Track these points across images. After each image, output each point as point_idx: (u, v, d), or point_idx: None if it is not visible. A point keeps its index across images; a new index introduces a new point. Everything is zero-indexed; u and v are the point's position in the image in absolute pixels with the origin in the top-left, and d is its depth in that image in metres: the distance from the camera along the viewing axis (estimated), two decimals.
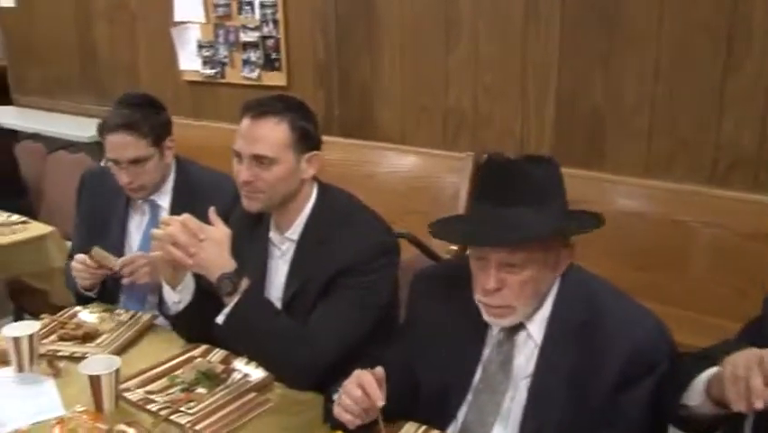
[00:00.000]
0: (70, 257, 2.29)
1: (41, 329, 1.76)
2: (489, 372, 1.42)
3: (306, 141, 1.73)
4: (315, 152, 1.75)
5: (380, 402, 1.30)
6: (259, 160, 1.68)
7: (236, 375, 1.65)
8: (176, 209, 2.11)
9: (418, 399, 1.48)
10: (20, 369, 1.68)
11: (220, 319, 1.57)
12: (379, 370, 1.34)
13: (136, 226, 2.19)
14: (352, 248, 1.67)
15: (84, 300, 2.12)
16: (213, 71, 4.40)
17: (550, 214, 1.33)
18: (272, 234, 1.81)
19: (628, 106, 2.74)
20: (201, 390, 1.59)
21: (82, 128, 4.88)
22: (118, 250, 2.14)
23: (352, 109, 3.68)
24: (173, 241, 1.52)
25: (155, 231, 1.57)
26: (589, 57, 2.78)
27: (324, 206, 1.78)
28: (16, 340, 1.66)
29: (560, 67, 2.86)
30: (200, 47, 4.43)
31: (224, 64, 4.34)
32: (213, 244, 1.55)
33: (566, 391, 1.33)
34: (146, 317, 1.96)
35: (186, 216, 1.56)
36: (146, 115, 2.03)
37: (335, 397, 1.36)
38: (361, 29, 3.53)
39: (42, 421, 1.50)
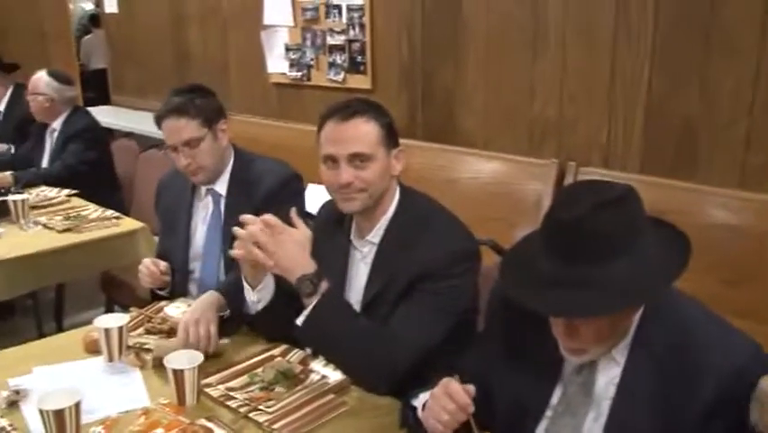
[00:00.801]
0: (157, 256, 2.38)
1: (129, 322, 1.83)
2: (569, 392, 1.37)
3: (392, 137, 1.75)
4: (400, 148, 1.77)
5: (471, 408, 1.27)
6: (356, 159, 1.68)
7: (314, 376, 1.67)
8: (231, 195, 2.21)
9: (491, 412, 1.46)
10: (110, 359, 1.75)
11: (299, 321, 1.59)
12: (471, 388, 1.31)
13: (202, 220, 2.27)
14: (433, 252, 1.66)
15: (157, 297, 2.21)
16: (299, 74, 4.48)
17: (638, 263, 1.18)
18: (353, 238, 1.82)
19: (723, 116, 2.63)
20: (280, 389, 1.62)
21: None
22: (184, 244, 2.24)
23: (435, 114, 3.67)
24: (255, 241, 1.55)
25: (237, 230, 1.60)
26: (683, 65, 2.68)
27: (406, 209, 1.77)
28: (107, 331, 1.73)
29: (651, 74, 2.77)
30: (287, 50, 4.52)
31: (310, 67, 4.41)
32: (293, 245, 1.58)
33: (650, 416, 1.25)
34: (224, 312, 1.99)
35: (267, 216, 1.59)
36: (193, 98, 2.13)
37: (414, 403, 1.36)
38: (447, 34, 3.52)
39: (129, 411, 1.55)
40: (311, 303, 1.57)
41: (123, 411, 1.55)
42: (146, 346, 1.83)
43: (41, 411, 1.38)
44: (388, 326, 1.64)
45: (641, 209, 1.23)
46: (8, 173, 3.46)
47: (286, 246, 1.56)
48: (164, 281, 2.16)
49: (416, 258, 1.67)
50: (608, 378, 1.31)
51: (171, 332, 1.90)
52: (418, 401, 1.38)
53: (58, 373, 1.73)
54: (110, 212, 2.99)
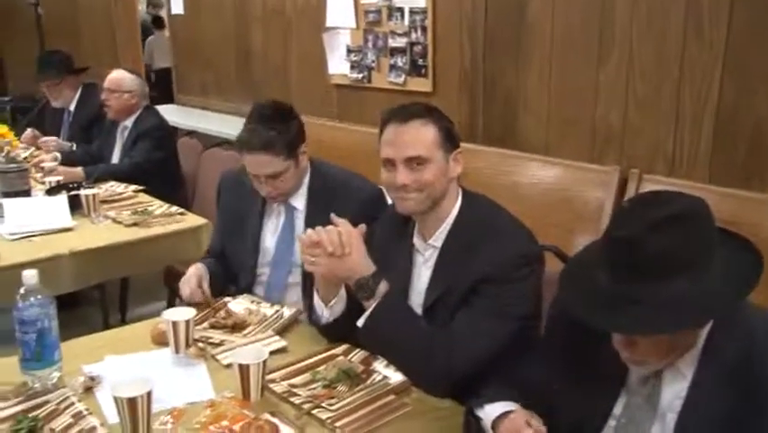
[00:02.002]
0: (207, 254, 2.42)
1: (195, 316, 1.87)
2: (633, 403, 1.34)
3: (451, 139, 1.76)
4: (459, 150, 1.78)
5: None
6: (413, 162, 1.70)
7: (376, 376, 1.69)
8: (311, 210, 2.20)
9: (554, 423, 1.44)
10: (176, 351, 1.80)
11: (360, 323, 1.61)
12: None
13: (272, 229, 2.26)
14: (496, 256, 1.66)
15: None
16: (360, 75, 4.51)
17: (699, 281, 1.15)
18: (416, 241, 1.83)
19: None
20: (342, 387, 1.63)
21: (234, 127, 5.16)
22: (253, 250, 2.24)
23: (495, 118, 3.65)
24: (328, 252, 1.60)
25: (302, 237, 1.65)
26: (756, 70, 2.61)
27: (468, 213, 1.78)
28: (174, 324, 1.78)
29: (722, 79, 2.70)
30: (349, 51, 4.56)
31: (370, 69, 4.44)
32: (353, 249, 1.61)
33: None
34: (288, 313, 2.03)
35: (334, 228, 1.64)
36: (280, 131, 2.08)
37: (479, 413, 1.36)
38: (510, 37, 3.50)
39: (195, 402, 1.59)
40: (370, 305, 1.59)
41: (190, 402, 1.59)
42: (211, 341, 1.87)
43: (115, 398, 1.43)
44: (448, 329, 1.64)
45: (707, 224, 1.20)
46: (79, 168, 3.57)
47: (347, 250, 1.60)
48: (200, 296, 2.12)
49: (478, 261, 1.67)
50: (674, 391, 1.28)
51: (235, 327, 1.94)
52: (484, 413, 1.38)
53: (128, 362, 1.78)
54: (174, 208, 3.06)
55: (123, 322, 3.59)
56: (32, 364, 1.61)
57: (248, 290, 2.22)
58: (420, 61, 4.10)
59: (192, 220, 2.96)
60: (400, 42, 4.20)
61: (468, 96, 3.81)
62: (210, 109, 5.79)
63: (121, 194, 3.27)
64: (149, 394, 1.45)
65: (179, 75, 6.40)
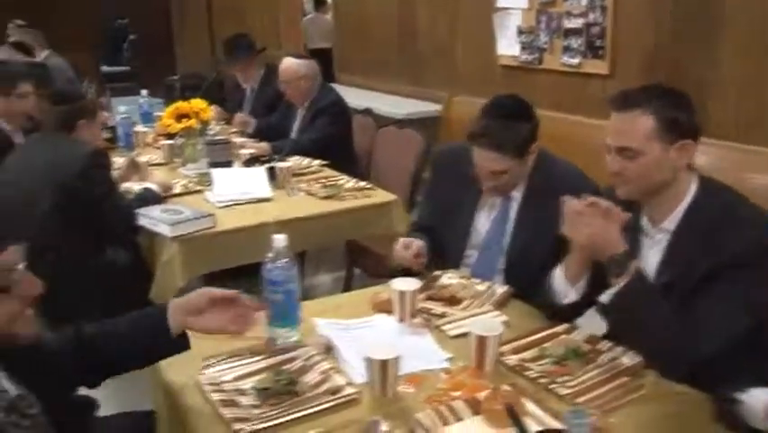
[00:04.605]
0: (413, 227, 2.47)
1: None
2: None
3: (675, 129, 1.69)
4: (685, 141, 1.71)
5: None
6: (623, 152, 1.70)
7: (604, 357, 1.67)
8: (527, 201, 2.17)
9: None
10: (401, 319, 1.87)
11: (604, 299, 1.60)
12: None
13: (485, 216, 2.24)
14: (739, 241, 1.61)
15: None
16: (530, 57, 4.46)
17: None
18: (644, 224, 1.80)
19: None
20: (573, 365, 1.64)
21: (397, 106, 5.25)
22: (464, 232, 2.25)
23: None
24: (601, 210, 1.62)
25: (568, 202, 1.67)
26: None
27: (706, 199, 1.72)
28: (402, 293, 1.84)
29: None
30: (520, 32, 4.51)
31: (542, 50, 4.38)
32: (602, 224, 1.60)
33: None
34: (501, 289, 2.05)
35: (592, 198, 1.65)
36: (516, 132, 2.04)
37: (741, 397, 1.32)
38: (700, 21, 3.34)
39: (430, 370, 1.64)
40: (618, 283, 1.58)
41: (425, 369, 1.64)
42: (432, 312, 1.92)
43: (368, 359, 1.50)
44: (692, 313, 1.60)
45: None
46: (264, 143, 3.75)
47: (596, 223, 1.59)
48: (419, 264, 2.14)
49: (719, 247, 1.62)
50: None
51: (453, 300, 1.98)
52: (750, 396, 1.34)
53: (355, 327, 1.86)
54: (363, 183, 3.15)
55: None
56: (278, 322, 1.72)
57: (455, 268, 2.25)
58: (597, 42, 4.00)
59: (381, 195, 3.04)
60: (576, 23, 4.11)
61: (649, 81, 3.65)
62: (370, 89, 5.89)
63: (307, 167, 3.40)
64: (398, 359, 1.51)
65: (341, 54, 6.56)
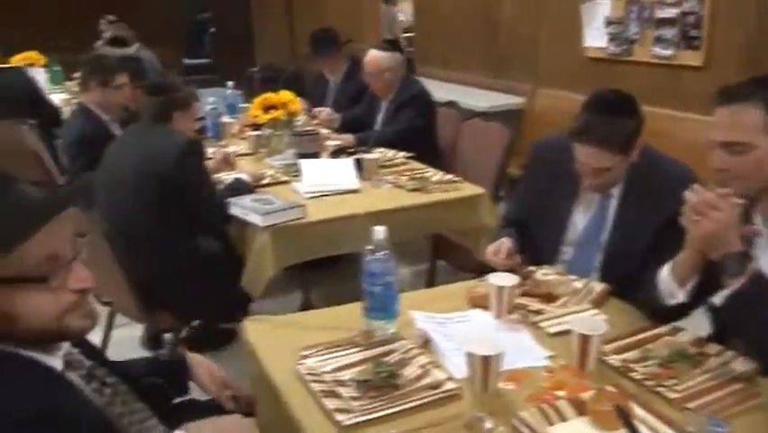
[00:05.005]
0: (503, 222, 2.43)
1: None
2: None
3: None
4: None
5: None
6: (731, 147, 1.63)
7: (714, 361, 1.61)
8: (627, 197, 2.09)
9: None
10: (497, 315, 1.84)
11: (718, 300, 1.54)
12: None
13: (582, 213, 2.17)
14: None
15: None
16: (619, 49, 4.34)
17: None
18: (759, 223, 1.72)
19: None
20: (680, 368, 1.58)
21: (478, 98, 5.19)
22: (560, 228, 2.18)
23: None
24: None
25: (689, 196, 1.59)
26: None
27: None
28: (500, 289, 1.82)
29: None
30: (608, 23, 4.39)
31: (632, 41, 4.25)
32: (725, 219, 1.54)
33: None
34: (598, 287, 1.99)
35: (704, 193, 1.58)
36: (620, 127, 1.96)
37: None
38: None
39: (530, 367, 1.61)
40: (734, 285, 1.51)
41: (525, 366, 1.61)
42: (529, 308, 1.89)
43: (470, 354, 1.48)
44: None
45: None
46: (349, 135, 3.77)
47: (714, 216, 1.54)
48: (512, 264, 2.07)
49: None
50: None
51: (549, 297, 1.94)
52: None
53: (452, 321, 1.84)
54: (450, 176, 3.12)
55: None
56: (376, 314, 1.72)
57: (548, 264, 2.20)
58: (692, 33, 3.86)
59: (469, 189, 3.01)
60: (670, 12, 3.98)
61: (750, 73, 3.50)
62: (449, 80, 5.84)
63: (392, 159, 3.40)
64: (500, 355, 1.49)
65: (420, 46, 6.52)
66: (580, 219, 2.17)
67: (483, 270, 2.08)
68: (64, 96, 5.35)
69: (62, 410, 1.13)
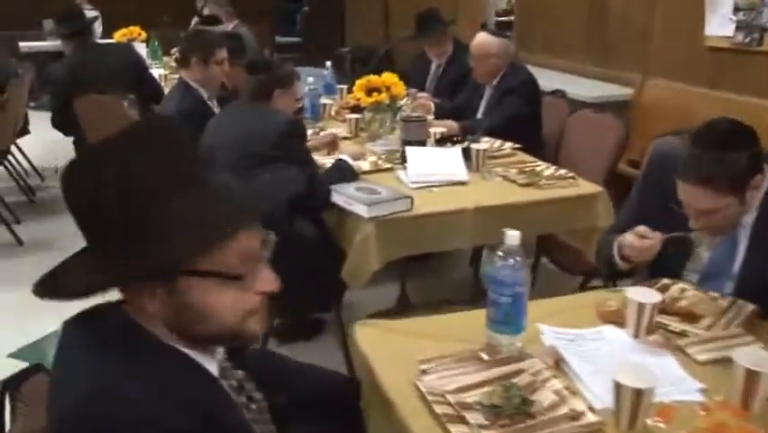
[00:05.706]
0: (611, 230, 2.17)
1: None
2: None
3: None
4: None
5: None
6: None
7: None
8: (760, 227, 1.83)
9: None
10: (636, 335, 1.64)
11: None
12: None
13: (707, 242, 1.91)
14: None
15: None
16: (747, 38, 3.98)
17: None
18: None
19: None
20: None
21: (583, 87, 4.90)
22: (680, 258, 1.93)
23: None
24: None
25: None
26: None
27: None
28: (641, 306, 1.62)
29: None
30: (737, 9, 4.04)
31: (764, 30, 3.89)
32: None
33: None
34: (749, 307, 1.76)
35: None
36: (727, 163, 1.69)
37: None
38: None
39: (682, 401, 1.42)
40: None
41: (677, 400, 1.42)
42: (669, 329, 1.68)
43: (618, 385, 1.30)
44: None
45: None
46: (452, 121, 3.58)
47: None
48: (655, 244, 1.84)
49: None
50: None
51: (690, 315, 1.73)
52: None
53: (585, 338, 1.65)
54: (564, 171, 2.89)
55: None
56: (501, 327, 1.55)
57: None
58: None
59: (586, 187, 2.78)
60: None
61: None
62: (554, 69, 5.55)
63: (500, 150, 3.20)
64: (653, 389, 1.30)
65: (521, 31, 6.25)
66: (704, 248, 1.93)
67: (593, 273, 1.92)
68: (162, 71, 5.36)
69: (225, 419, 1.07)
